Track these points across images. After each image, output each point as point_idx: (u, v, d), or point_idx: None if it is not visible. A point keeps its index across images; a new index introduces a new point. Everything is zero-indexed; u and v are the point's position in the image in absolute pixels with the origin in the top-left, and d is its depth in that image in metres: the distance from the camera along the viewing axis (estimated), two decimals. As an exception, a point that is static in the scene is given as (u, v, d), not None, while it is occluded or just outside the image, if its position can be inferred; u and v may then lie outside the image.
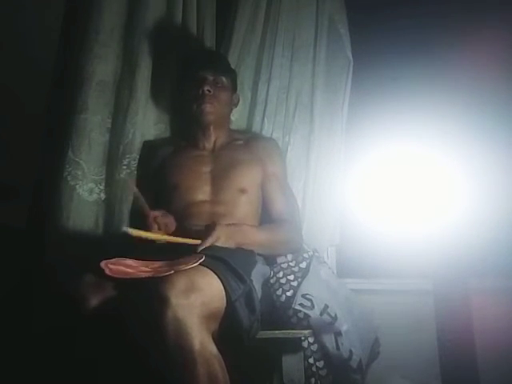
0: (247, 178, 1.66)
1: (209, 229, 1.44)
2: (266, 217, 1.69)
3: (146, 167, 1.75)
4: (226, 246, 1.43)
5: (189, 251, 1.35)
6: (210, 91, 1.68)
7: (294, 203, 1.76)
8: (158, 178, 1.69)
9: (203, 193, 1.63)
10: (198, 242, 1.40)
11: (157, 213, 1.46)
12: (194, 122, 1.73)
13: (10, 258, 1.76)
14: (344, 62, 2.07)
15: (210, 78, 1.70)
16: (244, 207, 1.62)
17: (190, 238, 1.44)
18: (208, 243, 1.39)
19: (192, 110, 1.70)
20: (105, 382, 1.21)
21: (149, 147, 1.77)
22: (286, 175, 1.79)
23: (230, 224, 1.50)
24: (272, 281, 1.60)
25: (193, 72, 1.73)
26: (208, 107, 1.67)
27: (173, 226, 1.50)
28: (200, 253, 1.31)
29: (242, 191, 1.63)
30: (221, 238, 1.43)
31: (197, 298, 1.13)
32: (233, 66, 1.87)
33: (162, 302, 1.10)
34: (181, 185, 1.64)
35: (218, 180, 1.65)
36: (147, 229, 1.42)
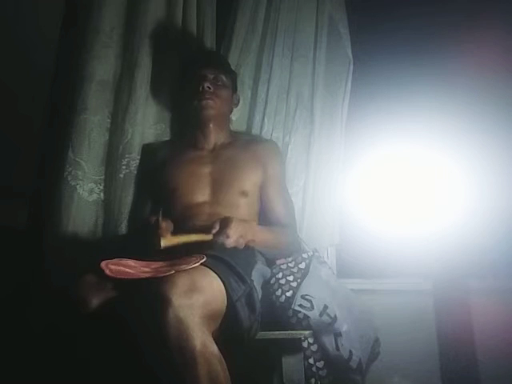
0: (248, 181, 1.66)
1: (223, 225, 1.41)
2: (263, 219, 1.69)
3: (146, 170, 1.75)
4: (237, 243, 1.41)
5: (189, 251, 1.35)
6: (210, 88, 1.68)
7: (292, 206, 1.76)
8: (158, 181, 1.69)
9: (203, 194, 1.63)
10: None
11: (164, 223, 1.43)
12: (194, 119, 1.73)
13: (10, 258, 1.76)
14: (344, 61, 2.07)
15: (211, 75, 1.71)
16: (244, 209, 1.62)
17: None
18: (222, 239, 1.38)
19: (192, 106, 1.70)
20: (105, 382, 1.21)
21: (148, 150, 1.77)
22: (284, 178, 1.79)
23: (241, 220, 1.48)
24: (271, 281, 1.60)
25: (193, 70, 1.73)
26: (208, 103, 1.67)
27: (171, 226, 1.49)
28: (200, 253, 1.31)
29: (243, 194, 1.64)
30: (233, 236, 1.40)
31: (198, 298, 1.13)
32: (233, 66, 1.87)
33: (164, 302, 1.10)
34: (180, 186, 1.64)
35: (218, 181, 1.65)
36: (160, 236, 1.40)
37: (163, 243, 1.35)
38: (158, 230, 1.39)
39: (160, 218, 1.40)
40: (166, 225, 1.43)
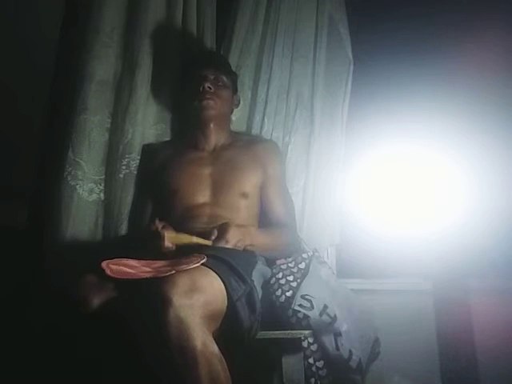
0: (248, 183, 1.66)
1: (221, 230, 1.44)
2: (263, 219, 1.69)
3: (146, 171, 1.75)
4: (236, 247, 1.44)
5: (190, 251, 1.35)
6: (210, 88, 1.68)
7: (292, 206, 1.76)
8: (159, 182, 1.69)
9: (203, 196, 1.63)
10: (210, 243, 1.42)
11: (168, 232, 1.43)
12: (194, 119, 1.73)
13: (10, 258, 1.76)
14: (344, 61, 2.08)
15: (211, 76, 1.71)
16: (244, 211, 1.62)
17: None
18: (221, 245, 1.41)
19: (192, 106, 1.70)
20: (105, 382, 1.21)
21: (148, 151, 1.77)
22: (284, 178, 1.79)
23: (239, 225, 1.51)
24: (271, 281, 1.60)
25: (194, 70, 1.73)
26: (209, 103, 1.68)
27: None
28: (201, 253, 1.31)
29: (243, 195, 1.64)
30: (232, 241, 1.43)
31: (199, 298, 1.13)
32: (233, 66, 1.87)
33: (165, 302, 1.10)
34: (181, 188, 1.64)
35: (219, 183, 1.65)
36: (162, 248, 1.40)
37: (167, 241, 1.35)
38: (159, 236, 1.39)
39: (160, 226, 1.41)
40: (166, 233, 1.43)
